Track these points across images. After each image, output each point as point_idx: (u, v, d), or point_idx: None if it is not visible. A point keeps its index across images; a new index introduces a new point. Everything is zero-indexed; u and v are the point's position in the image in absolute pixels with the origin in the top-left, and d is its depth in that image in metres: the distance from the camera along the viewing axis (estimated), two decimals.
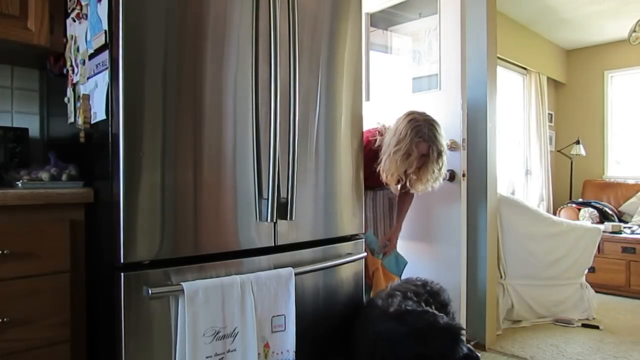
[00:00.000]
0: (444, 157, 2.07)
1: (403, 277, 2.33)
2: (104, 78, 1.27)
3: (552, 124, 5.57)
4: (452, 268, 2.49)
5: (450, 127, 2.47)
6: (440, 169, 2.07)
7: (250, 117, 1.44)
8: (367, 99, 3.01)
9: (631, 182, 4.90)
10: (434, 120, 2.08)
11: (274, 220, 1.49)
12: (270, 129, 1.45)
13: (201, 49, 1.33)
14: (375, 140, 2.19)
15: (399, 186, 2.34)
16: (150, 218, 1.23)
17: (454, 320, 1.73)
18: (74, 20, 1.47)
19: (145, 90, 1.23)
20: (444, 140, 2.10)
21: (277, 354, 1.44)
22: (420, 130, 2.02)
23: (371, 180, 2.21)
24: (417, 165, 2.05)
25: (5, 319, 1.19)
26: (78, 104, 1.43)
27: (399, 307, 1.60)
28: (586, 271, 3.26)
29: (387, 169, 2.06)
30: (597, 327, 3.01)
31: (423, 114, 2.10)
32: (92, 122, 1.36)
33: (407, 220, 2.67)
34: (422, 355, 1.47)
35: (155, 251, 1.24)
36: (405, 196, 2.39)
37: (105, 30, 1.26)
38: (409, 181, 2.12)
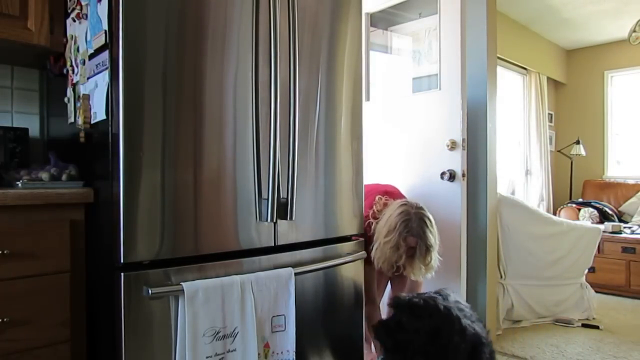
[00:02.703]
0: (433, 253, 2.02)
1: None
2: (104, 78, 1.27)
3: (552, 124, 5.57)
4: (452, 268, 2.49)
5: (450, 127, 2.48)
6: (428, 264, 2.04)
7: (250, 117, 1.44)
8: (367, 99, 3.01)
9: (631, 182, 4.90)
10: (425, 214, 2.04)
11: (274, 220, 1.49)
12: (270, 129, 1.45)
13: (201, 49, 1.33)
14: (370, 226, 2.15)
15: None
16: (150, 218, 1.23)
17: None
18: (74, 20, 1.47)
19: (145, 90, 1.23)
20: (435, 235, 2.05)
21: (277, 354, 1.44)
22: (409, 224, 1.98)
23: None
24: (405, 257, 2.01)
25: (5, 319, 1.19)
26: (78, 104, 1.43)
27: None
28: (586, 271, 3.26)
29: (378, 257, 2.03)
30: (597, 327, 3.01)
31: (416, 206, 2.06)
32: (92, 122, 1.36)
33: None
34: None
35: (155, 251, 1.24)
36: (400, 278, 2.30)
37: (105, 30, 1.26)
38: (402, 268, 2.08)
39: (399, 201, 2.12)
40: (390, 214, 2.06)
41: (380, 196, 2.26)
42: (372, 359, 2.43)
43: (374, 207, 2.21)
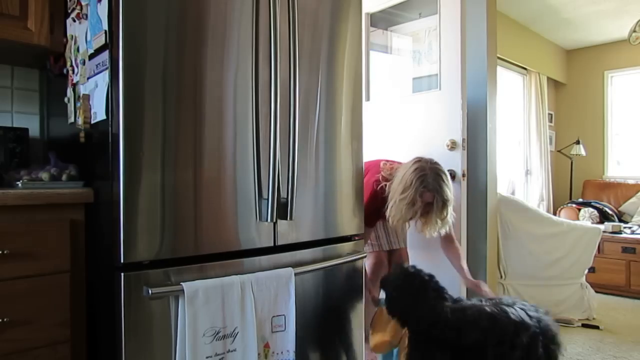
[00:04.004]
0: (449, 207, 2.04)
1: None
2: (104, 78, 1.27)
3: (552, 124, 5.57)
4: (452, 268, 2.49)
5: (450, 127, 2.48)
6: (444, 219, 2.06)
7: (250, 117, 1.44)
8: (367, 99, 3.01)
9: (631, 182, 4.90)
10: (440, 169, 2.05)
11: (274, 220, 1.49)
12: (270, 129, 1.45)
13: (201, 49, 1.33)
14: (383, 189, 2.18)
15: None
16: (150, 218, 1.23)
17: None
18: (74, 20, 1.47)
19: (145, 90, 1.23)
20: (451, 189, 2.07)
21: (277, 354, 1.44)
22: (426, 179, 2.00)
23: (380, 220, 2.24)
24: (421, 214, 2.04)
25: (5, 319, 1.19)
26: (78, 104, 1.43)
27: None
28: (586, 271, 3.26)
29: (394, 215, 2.06)
30: (597, 327, 3.01)
31: (430, 161, 2.07)
32: (92, 122, 1.36)
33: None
34: None
35: (155, 251, 1.24)
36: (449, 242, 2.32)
37: (105, 30, 1.26)
38: (417, 225, 2.12)
39: (412, 158, 2.13)
40: (405, 172, 2.08)
41: (385, 162, 2.29)
42: (372, 359, 2.43)
43: (382, 172, 2.23)
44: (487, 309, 1.64)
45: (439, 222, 2.06)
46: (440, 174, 2.04)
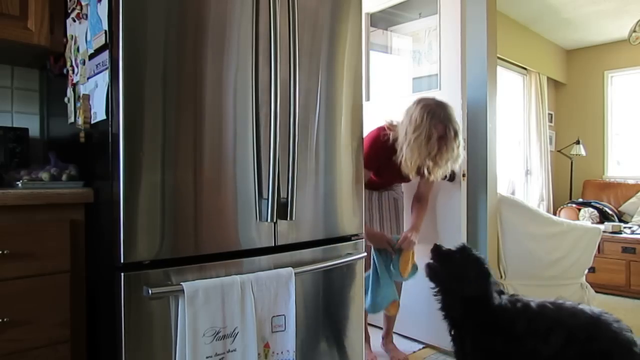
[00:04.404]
0: (460, 137, 2.12)
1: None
2: (104, 78, 1.27)
3: (552, 124, 5.57)
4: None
5: None
6: (459, 147, 2.12)
7: (250, 117, 1.44)
8: (367, 99, 3.01)
9: (631, 182, 4.89)
10: (444, 102, 2.14)
11: (274, 220, 1.49)
12: (270, 129, 1.45)
13: (201, 49, 1.33)
14: (386, 135, 2.22)
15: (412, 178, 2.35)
16: (150, 218, 1.23)
17: None
18: (74, 20, 1.47)
19: (145, 90, 1.23)
20: (458, 119, 2.16)
21: (277, 354, 1.44)
22: (435, 113, 2.08)
23: (385, 176, 2.26)
24: (438, 147, 2.09)
25: (5, 319, 1.19)
26: (78, 104, 1.43)
27: None
28: (586, 271, 3.26)
29: (410, 157, 2.09)
30: None
31: (433, 99, 2.17)
32: (92, 122, 1.36)
33: (407, 221, 2.66)
34: None
35: (155, 251, 1.24)
36: (427, 183, 2.39)
37: (105, 30, 1.26)
38: (428, 168, 2.15)
39: (414, 100, 2.20)
40: (411, 114, 2.14)
41: (384, 120, 2.33)
42: (371, 358, 2.43)
43: (385, 124, 2.29)
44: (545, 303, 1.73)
45: (455, 150, 2.11)
46: (446, 106, 2.13)
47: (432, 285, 1.89)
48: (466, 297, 1.76)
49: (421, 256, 2.57)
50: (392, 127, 2.25)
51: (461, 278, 1.78)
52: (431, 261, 1.91)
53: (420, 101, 2.16)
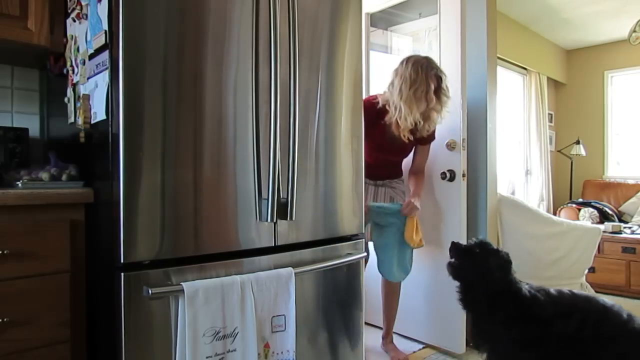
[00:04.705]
0: (447, 81, 2.26)
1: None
2: (104, 78, 1.27)
3: (552, 124, 5.56)
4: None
5: (450, 127, 2.48)
6: (447, 94, 2.25)
7: (250, 117, 1.44)
8: None
9: (631, 182, 4.89)
10: (430, 57, 2.28)
11: (274, 221, 1.49)
12: (270, 129, 1.45)
13: (201, 49, 1.33)
14: (376, 99, 2.31)
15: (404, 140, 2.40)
16: (150, 218, 1.23)
17: None
18: (74, 20, 1.47)
19: (145, 90, 1.23)
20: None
21: (277, 354, 1.44)
22: (428, 66, 2.20)
23: (379, 153, 2.32)
24: (436, 98, 2.20)
25: (5, 319, 1.19)
26: (78, 104, 1.43)
27: None
28: (586, 271, 3.26)
29: (408, 112, 2.17)
30: None
31: (419, 55, 2.31)
32: (92, 122, 1.36)
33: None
34: None
35: (155, 251, 1.24)
36: (423, 152, 2.45)
37: (105, 30, 1.26)
38: (420, 125, 2.25)
39: (400, 61, 2.29)
40: (402, 73, 2.23)
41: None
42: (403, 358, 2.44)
43: (372, 95, 2.38)
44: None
45: (448, 94, 2.24)
46: (432, 59, 2.27)
47: (457, 283, 1.92)
48: (493, 290, 1.80)
49: (423, 258, 2.57)
50: (378, 95, 2.34)
51: (485, 273, 1.82)
52: (452, 260, 1.93)
53: (408, 59, 2.24)
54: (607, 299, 1.81)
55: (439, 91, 2.21)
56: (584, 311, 1.74)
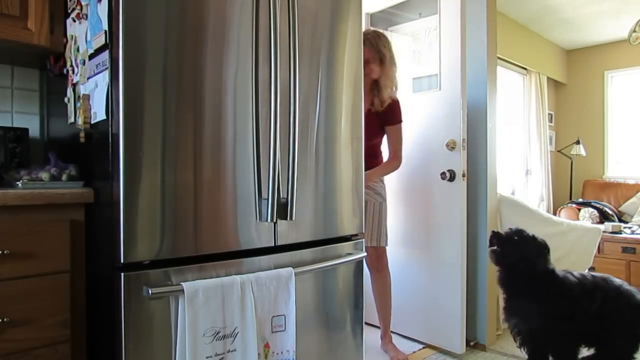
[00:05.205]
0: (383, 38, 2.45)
1: None
2: (104, 78, 1.27)
3: (552, 124, 5.57)
4: (452, 268, 2.49)
5: (450, 127, 2.48)
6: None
7: (250, 117, 1.44)
8: None
9: (631, 182, 4.89)
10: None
11: (274, 221, 1.49)
12: (270, 129, 1.45)
13: (201, 49, 1.33)
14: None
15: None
16: (150, 218, 1.23)
17: None
18: (74, 20, 1.47)
19: (145, 90, 1.23)
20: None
21: (277, 354, 1.44)
22: (387, 38, 2.47)
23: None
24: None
25: (5, 319, 1.19)
26: (78, 104, 1.43)
27: None
28: (586, 271, 3.26)
29: (391, 88, 2.46)
30: None
31: (370, 30, 2.49)
32: (92, 122, 1.36)
33: (407, 221, 2.66)
34: None
35: (155, 251, 1.24)
36: (393, 131, 2.49)
37: (105, 30, 1.26)
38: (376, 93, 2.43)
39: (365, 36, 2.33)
40: (379, 53, 2.41)
41: None
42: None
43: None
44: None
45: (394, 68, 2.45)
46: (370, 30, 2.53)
47: (497, 268, 2.20)
48: (532, 272, 2.07)
49: (423, 258, 2.57)
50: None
51: (526, 256, 2.08)
52: (494, 247, 2.16)
53: (373, 39, 2.39)
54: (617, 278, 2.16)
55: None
56: (604, 290, 2.07)
